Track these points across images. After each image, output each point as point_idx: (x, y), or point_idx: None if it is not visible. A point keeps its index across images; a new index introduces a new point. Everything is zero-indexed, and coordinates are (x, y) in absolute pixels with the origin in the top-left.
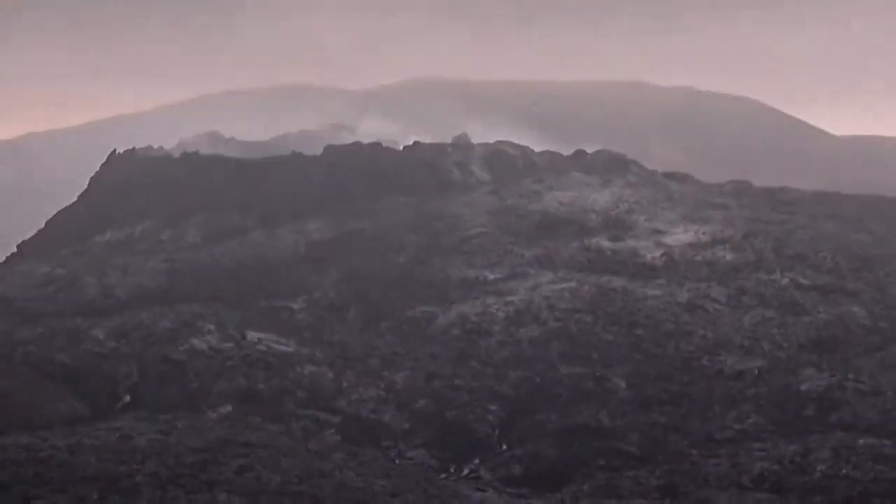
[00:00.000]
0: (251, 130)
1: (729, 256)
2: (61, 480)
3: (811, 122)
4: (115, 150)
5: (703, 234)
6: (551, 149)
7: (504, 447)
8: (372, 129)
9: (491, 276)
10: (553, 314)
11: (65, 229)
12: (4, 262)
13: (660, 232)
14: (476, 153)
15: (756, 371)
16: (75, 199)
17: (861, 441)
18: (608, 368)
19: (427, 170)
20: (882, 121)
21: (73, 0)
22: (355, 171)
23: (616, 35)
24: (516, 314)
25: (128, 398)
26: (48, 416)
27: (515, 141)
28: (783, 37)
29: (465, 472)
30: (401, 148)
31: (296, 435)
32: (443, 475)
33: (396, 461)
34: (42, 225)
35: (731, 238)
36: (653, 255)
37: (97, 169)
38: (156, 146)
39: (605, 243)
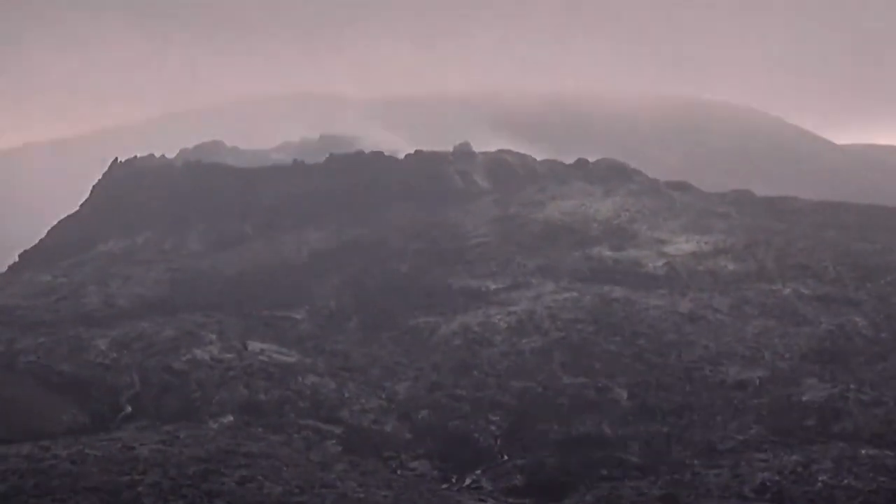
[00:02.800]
0: (253, 139)
1: (731, 266)
2: (63, 490)
3: (813, 130)
4: (116, 159)
5: (705, 243)
6: (553, 157)
7: (506, 457)
8: (374, 137)
9: (493, 286)
10: (555, 324)
11: (67, 239)
12: (6, 271)
13: (662, 241)
14: (478, 162)
15: (758, 381)
16: (77, 208)
17: (863, 451)
18: (610, 378)
19: (429, 178)
20: (884, 130)
21: (73, 9)
22: (357, 180)
23: (617, 44)
24: (518, 324)
25: (129, 408)
26: (50, 427)
27: (517, 150)
28: (785, 44)
29: (467, 482)
30: (402, 157)
31: (297, 445)
32: (445, 486)
33: (398, 472)
34: (44, 234)
35: (732, 248)
36: (655, 264)
37: (99, 178)
38: (158, 155)
39: (607, 253)
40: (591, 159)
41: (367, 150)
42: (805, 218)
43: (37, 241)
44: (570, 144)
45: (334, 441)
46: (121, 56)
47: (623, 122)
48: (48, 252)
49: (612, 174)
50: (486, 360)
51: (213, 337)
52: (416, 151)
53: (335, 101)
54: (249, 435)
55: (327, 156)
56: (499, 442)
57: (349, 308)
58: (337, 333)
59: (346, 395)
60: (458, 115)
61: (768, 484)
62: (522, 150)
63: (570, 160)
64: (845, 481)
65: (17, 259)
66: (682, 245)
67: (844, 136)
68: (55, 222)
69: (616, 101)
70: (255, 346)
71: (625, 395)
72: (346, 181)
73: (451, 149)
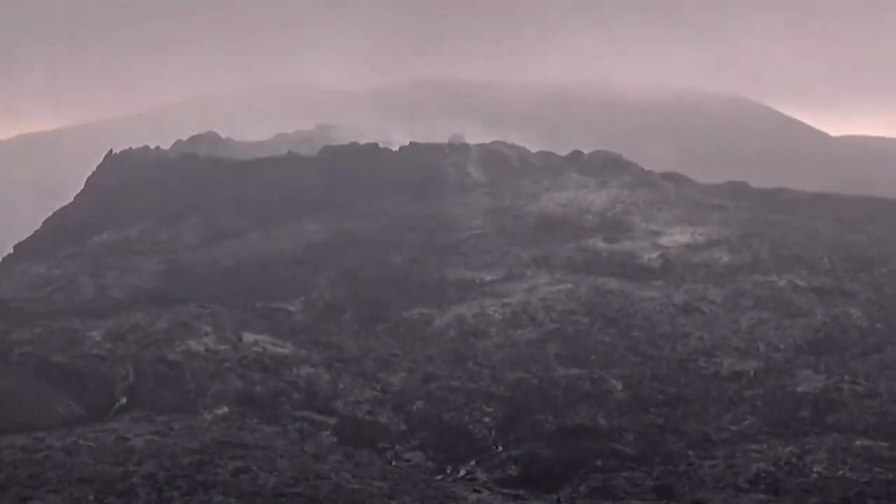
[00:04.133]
0: (248, 131)
1: (726, 258)
2: (57, 482)
3: (808, 122)
4: (111, 151)
5: (700, 235)
6: (547, 149)
7: (500, 448)
8: (368, 129)
9: (487, 278)
10: (550, 316)
11: (61, 230)
12: (1, 262)
13: (656, 233)
14: (472, 154)
15: (752, 373)
16: (72, 199)
17: (857, 443)
18: (605, 370)
19: (423, 170)
20: (880, 122)
21: (69, 1)
22: (352, 172)
23: (611, 35)
24: (513, 316)
25: (124, 400)
26: (44, 418)
27: (512, 142)
28: (780, 36)
29: (462, 473)
30: (397, 148)
31: (292, 437)
32: (439, 477)
33: (393, 463)
34: (39, 226)
35: (727, 239)
36: (649, 256)
37: (94, 170)
38: (152, 147)
39: (602, 245)
40: (586, 151)
41: (361, 142)
42: (800, 209)
43: (31, 233)
44: (565, 136)
45: (329, 432)
46: (115, 47)
47: (618, 113)
48: (43, 244)
49: (606, 166)
50: (481, 352)
51: (208, 328)
52: (410, 143)
53: (330, 92)
54: (244, 426)
55: (322, 147)
56: (493, 433)
57: (344, 300)
58: (331, 325)
59: (341, 386)
60: (453, 106)
61: (763, 475)
62: (517, 142)
63: (564, 152)
64: (840, 472)
65: (11, 251)
66: (677, 237)
67: (839, 127)
68: (50, 214)
69: (611, 93)
70: (249, 337)
71: (619, 386)
72: (340, 173)
73: (445, 141)
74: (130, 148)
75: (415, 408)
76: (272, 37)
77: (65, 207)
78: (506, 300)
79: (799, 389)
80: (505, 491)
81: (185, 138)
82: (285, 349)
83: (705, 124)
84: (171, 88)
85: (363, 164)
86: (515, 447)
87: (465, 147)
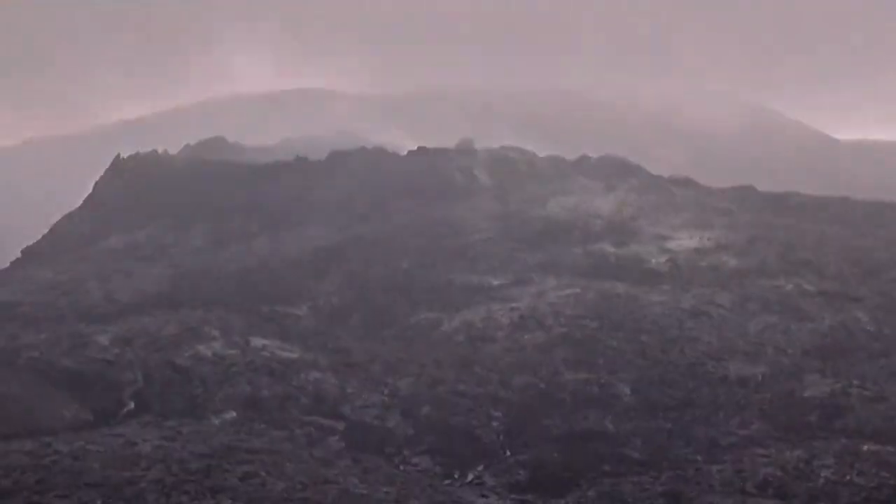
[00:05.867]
0: (256, 136)
1: (733, 262)
2: (65, 486)
3: (816, 126)
4: (119, 156)
5: (708, 239)
6: (555, 154)
7: (508, 453)
8: (376, 134)
9: (495, 282)
10: (557, 320)
11: (69, 235)
12: (9, 267)
13: (664, 237)
14: (480, 158)
15: (760, 377)
16: (80, 204)
17: (865, 447)
18: (613, 374)
19: (431, 175)
20: (888, 126)
21: (75, 4)
22: (360, 177)
23: (618, 39)
24: (520, 320)
25: (132, 404)
26: (52, 422)
27: (519, 146)
28: (787, 40)
29: (470, 478)
30: (405, 153)
31: (300, 441)
32: (447, 481)
33: (401, 468)
34: (46, 230)
35: (735, 244)
36: (657, 260)
37: (102, 174)
38: (161, 151)
39: (610, 249)
40: (593, 156)
41: (369, 147)
42: (807, 214)
43: (39, 237)
44: (573, 141)
45: (336, 437)
46: (122, 52)
47: (625, 117)
48: (51, 248)
49: (614, 170)
50: (489, 356)
51: (216, 333)
52: (418, 148)
53: (337, 97)
54: (252, 431)
55: (329, 152)
56: (501, 438)
57: (351, 304)
58: (339, 330)
59: (349, 391)
60: (461, 111)
61: (771, 479)
62: (524, 147)
63: (572, 156)
64: (848, 477)
65: (19, 255)
66: (685, 241)
67: (846, 131)
68: (58, 218)
69: (618, 97)
70: (257, 342)
71: (627, 390)
72: (348, 178)
73: (453, 145)
74: (138, 152)
75: (422, 412)
76: (280, 42)
77: (72, 212)
78: (513, 305)
79: (807, 394)
80: (513, 496)
81: (192, 143)
82: (293, 354)
83: (712, 128)
84: (180, 92)
85: (371, 168)
86: (523, 452)
87: (473, 151)
